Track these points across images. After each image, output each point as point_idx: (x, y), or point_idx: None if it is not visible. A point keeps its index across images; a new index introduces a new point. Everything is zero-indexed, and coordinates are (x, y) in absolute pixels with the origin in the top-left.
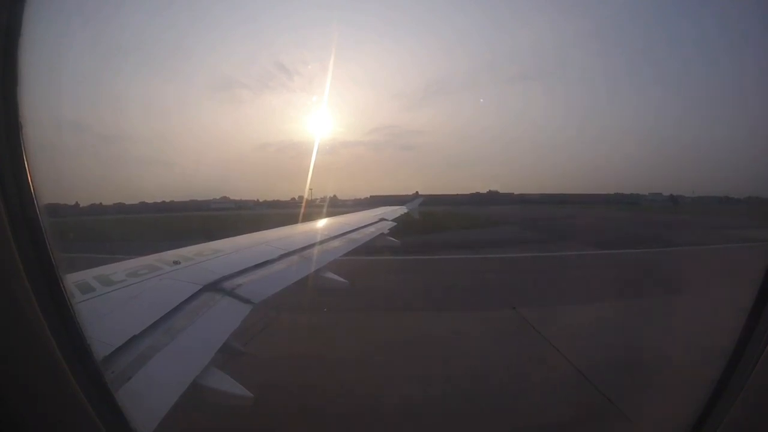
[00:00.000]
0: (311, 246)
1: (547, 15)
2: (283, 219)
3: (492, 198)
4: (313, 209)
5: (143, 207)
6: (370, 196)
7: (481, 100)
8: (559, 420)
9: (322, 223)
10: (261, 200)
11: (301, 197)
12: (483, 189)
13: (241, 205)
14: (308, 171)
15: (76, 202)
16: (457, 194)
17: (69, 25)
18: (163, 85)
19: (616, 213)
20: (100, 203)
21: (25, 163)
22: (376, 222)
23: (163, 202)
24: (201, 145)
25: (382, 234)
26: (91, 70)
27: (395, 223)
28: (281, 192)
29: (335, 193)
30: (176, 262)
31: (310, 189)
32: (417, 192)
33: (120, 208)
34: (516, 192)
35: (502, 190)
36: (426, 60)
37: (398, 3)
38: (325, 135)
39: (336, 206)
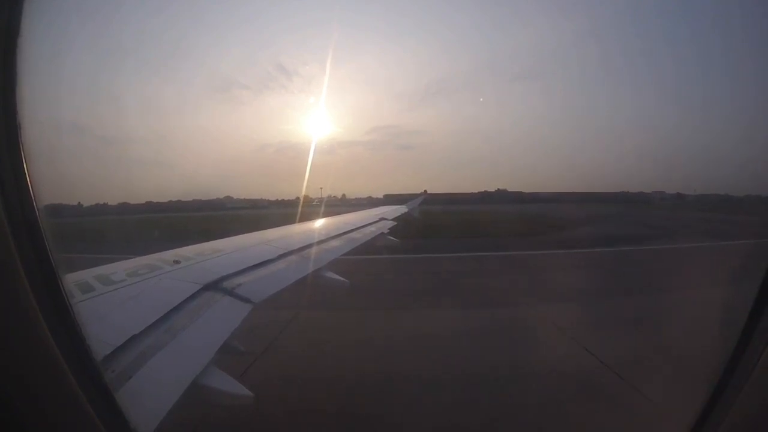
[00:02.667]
0: (311, 245)
1: (549, 15)
2: (296, 217)
3: (502, 197)
4: (321, 208)
5: (150, 207)
6: (384, 196)
7: (481, 100)
8: None
9: (322, 223)
10: (262, 199)
11: (306, 197)
12: (490, 188)
13: (254, 204)
14: (311, 171)
15: (79, 202)
16: (466, 193)
17: (69, 25)
18: (163, 85)
19: (647, 211)
20: (106, 203)
21: (25, 163)
22: (376, 221)
23: (170, 201)
24: (202, 146)
25: (383, 233)
26: (91, 71)
27: (396, 223)
28: (281, 192)
29: (344, 192)
30: (176, 262)
31: (321, 188)
32: (426, 191)
33: (124, 208)
34: (525, 191)
35: (509, 188)
36: (425, 60)
37: (398, 4)
38: (325, 135)
39: (349, 205)
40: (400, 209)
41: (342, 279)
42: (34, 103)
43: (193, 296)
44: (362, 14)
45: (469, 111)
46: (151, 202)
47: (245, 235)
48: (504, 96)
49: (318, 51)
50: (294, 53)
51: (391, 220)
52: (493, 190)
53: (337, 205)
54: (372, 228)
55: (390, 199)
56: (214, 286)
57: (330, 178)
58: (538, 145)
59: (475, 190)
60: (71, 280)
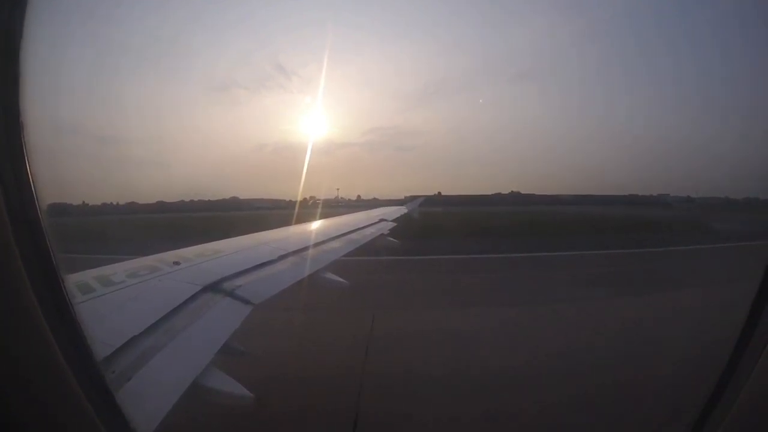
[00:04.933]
0: (311, 247)
1: (549, 15)
2: (310, 217)
3: (515, 199)
4: (331, 209)
5: (160, 207)
6: (405, 197)
7: (481, 101)
8: None
9: (322, 224)
10: (283, 200)
11: (313, 197)
12: (503, 190)
13: (276, 205)
14: (309, 172)
15: (83, 201)
16: (479, 195)
17: (70, 26)
18: (162, 85)
19: (685, 213)
20: (113, 203)
21: (27, 164)
22: (376, 222)
23: (182, 201)
24: (204, 146)
25: (382, 234)
26: (93, 72)
27: (396, 224)
28: (279, 192)
29: (359, 193)
30: (176, 263)
31: (337, 189)
32: (440, 192)
33: (133, 208)
34: (537, 193)
35: (522, 191)
36: (423, 61)
37: (396, 4)
38: (322, 136)
39: (364, 206)
40: (400, 210)
41: (341, 280)
42: (36, 103)
43: (193, 297)
44: (361, 14)
45: (470, 112)
46: (162, 201)
47: (245, 236)
48: (506, 97)
49: (317, 51)
50: (292, 53)
51: (391, 221)
52: (507, 192)
53: (352, 206)
54: (372, 229)
55: (411, 201)
56: (214, 287)
57: (328, 179)
58: (544, 147)
59: (488, 192)
60: (72, 281)
